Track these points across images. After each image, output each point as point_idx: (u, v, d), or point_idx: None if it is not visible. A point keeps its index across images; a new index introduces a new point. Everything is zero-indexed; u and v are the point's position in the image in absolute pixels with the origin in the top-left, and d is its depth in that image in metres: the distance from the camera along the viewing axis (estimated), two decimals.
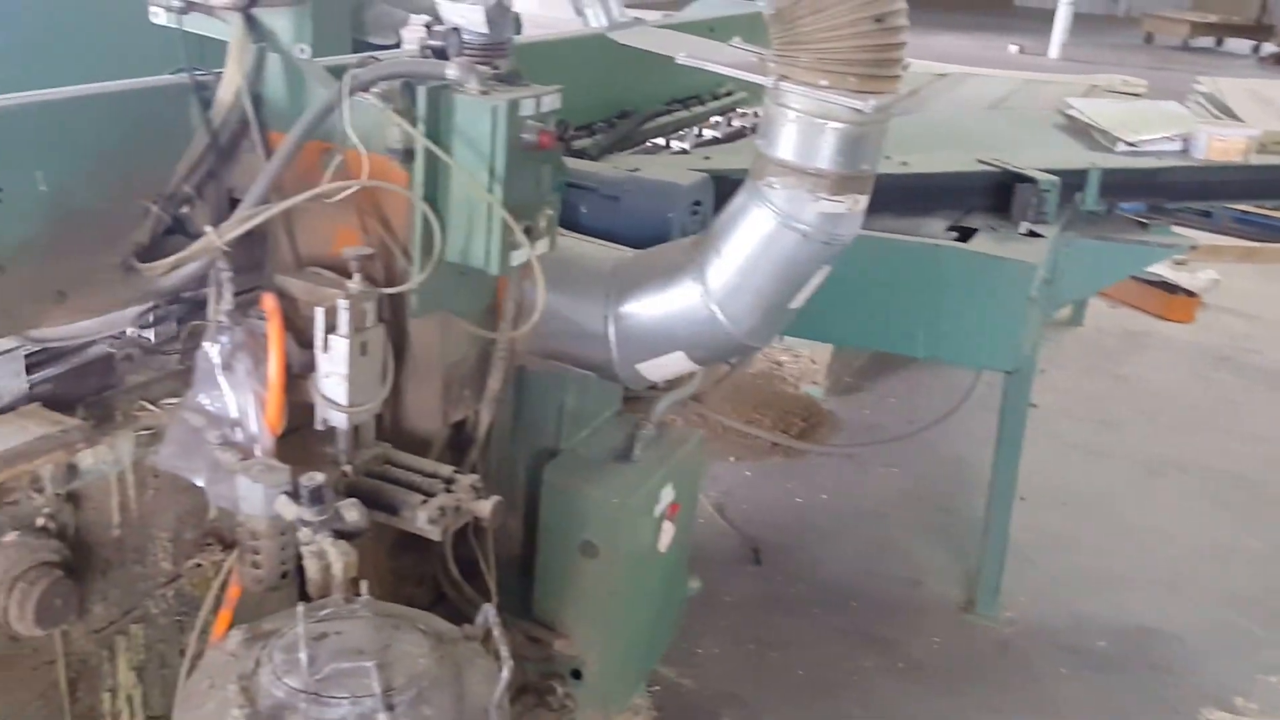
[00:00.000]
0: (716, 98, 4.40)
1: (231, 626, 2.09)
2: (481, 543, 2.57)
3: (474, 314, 2.42)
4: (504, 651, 1.75)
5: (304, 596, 2.04)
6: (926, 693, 3.84)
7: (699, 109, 4.24)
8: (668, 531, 2.98)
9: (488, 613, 1.82)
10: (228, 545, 2.38)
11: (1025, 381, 4.00)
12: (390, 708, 1.65)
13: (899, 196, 3.56)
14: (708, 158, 3.61)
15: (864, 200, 2.31)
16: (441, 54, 2.15)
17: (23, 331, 2.10)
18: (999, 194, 3.87)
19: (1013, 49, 17.50)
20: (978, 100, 5.75)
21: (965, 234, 3.70)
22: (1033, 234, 3.71)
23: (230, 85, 2.22)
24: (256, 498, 2.01)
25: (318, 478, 1.92)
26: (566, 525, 2.84)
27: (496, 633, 1.78)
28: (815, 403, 5.80)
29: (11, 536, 1.99)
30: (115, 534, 2.20)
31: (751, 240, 2.33)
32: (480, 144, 2.09)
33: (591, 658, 2.83)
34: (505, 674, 1.74)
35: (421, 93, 2.09)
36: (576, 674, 2.84)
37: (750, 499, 4.90)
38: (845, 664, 3.93)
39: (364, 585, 1.89)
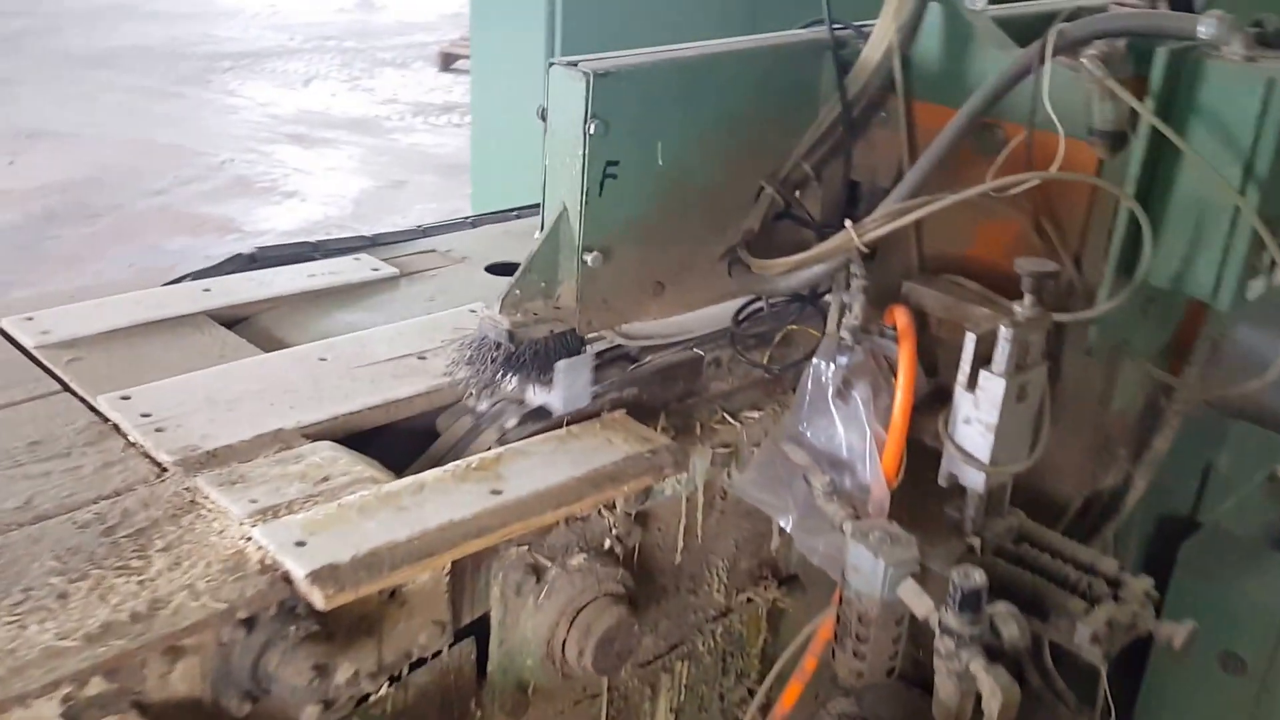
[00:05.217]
0: None
1: None
2: None
3: (1152, 352, 1.85)
4: None
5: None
6: None
7: None
8: None
9: None
10: (783, 580, 2.11)
11: None
12: None
13: None
14: None
15: None
16: (1185, 5, 1.58)
17: (617, 326, 1.82)
18: None
19: None
20: None
21: None
22: None
23: (880, 42, 1.79)
24: (874, 575, 1.58)
25: (976, 577, 1.45)
26: (1203, 626, 2.20)
27: None
28: None
29: (579, 559, 1.74)
30: (676, 560, 1.93)
31: None
32: (1236, 128, 1.51)
33: None
34: None
35: (1160, 56, 1.53)
36: None
37: None
38: None
39: None
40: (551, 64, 1.55)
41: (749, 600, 2.10)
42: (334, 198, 7.61)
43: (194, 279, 2.14)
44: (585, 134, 1.56)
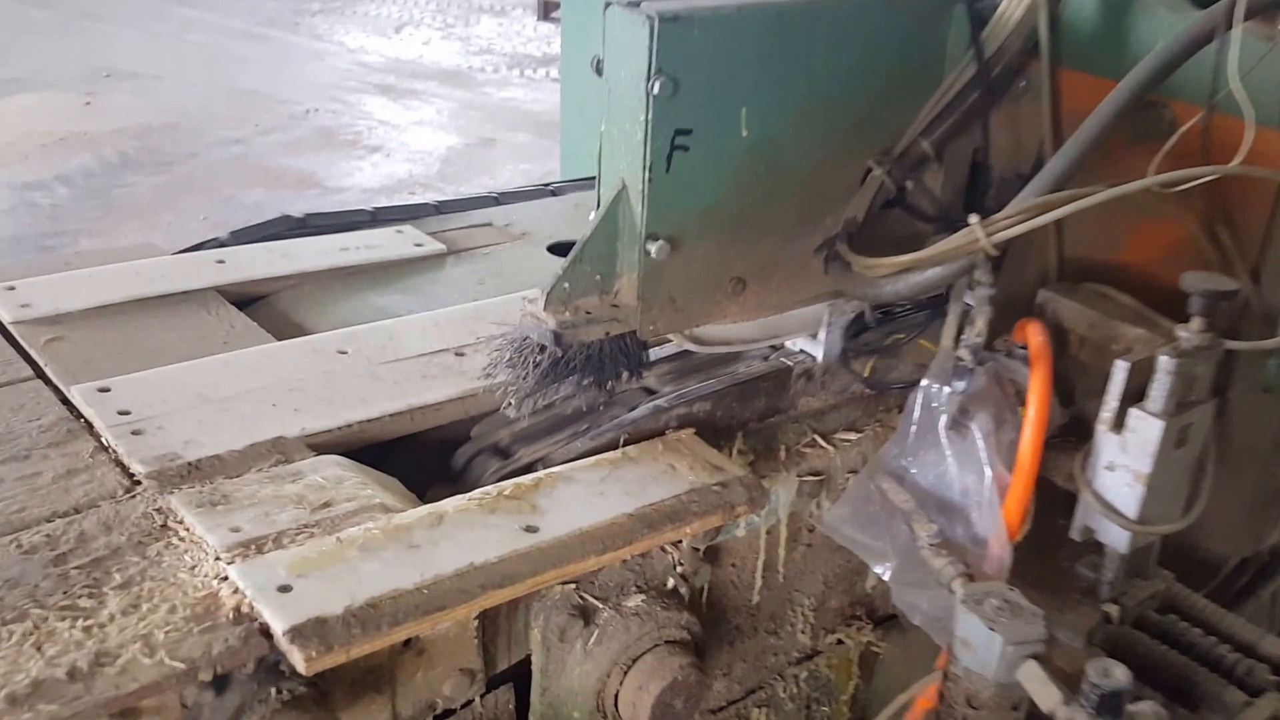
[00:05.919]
0: None
1: None
2: None
3: None
4: None
5: None
6: None
7: None
8: None
9: None
10: (880, 620, 1.89)
11: None
12: None
13: None
14: None
15: None
16: None
17: (687, 329, 1.53)
18: None
19: None
20: None
21: None
22: None
23: None
24: (989, 653, 1.28)
25: (1118, 675, 1.14)
26: None
27: None
28: None
29: (637, 600, 1.50)
30: (753, 599, 1.70)
31: None
32: None
33: None
34: None
35: None
36: None
37: None
38: None
39: None
40: (608, 4, 1.24)
41: (839, 642, 1.88)
42: (420, 154, 7.38)
43: (218, 246, 1.90)
44: (649, 94, 1.26)
